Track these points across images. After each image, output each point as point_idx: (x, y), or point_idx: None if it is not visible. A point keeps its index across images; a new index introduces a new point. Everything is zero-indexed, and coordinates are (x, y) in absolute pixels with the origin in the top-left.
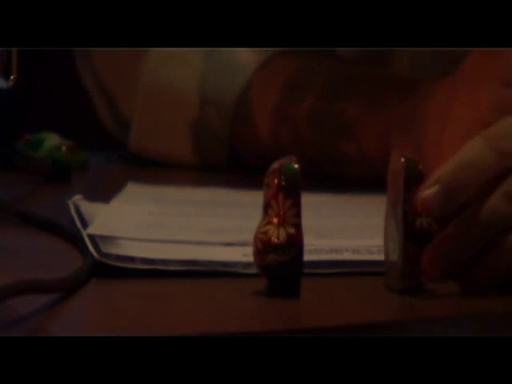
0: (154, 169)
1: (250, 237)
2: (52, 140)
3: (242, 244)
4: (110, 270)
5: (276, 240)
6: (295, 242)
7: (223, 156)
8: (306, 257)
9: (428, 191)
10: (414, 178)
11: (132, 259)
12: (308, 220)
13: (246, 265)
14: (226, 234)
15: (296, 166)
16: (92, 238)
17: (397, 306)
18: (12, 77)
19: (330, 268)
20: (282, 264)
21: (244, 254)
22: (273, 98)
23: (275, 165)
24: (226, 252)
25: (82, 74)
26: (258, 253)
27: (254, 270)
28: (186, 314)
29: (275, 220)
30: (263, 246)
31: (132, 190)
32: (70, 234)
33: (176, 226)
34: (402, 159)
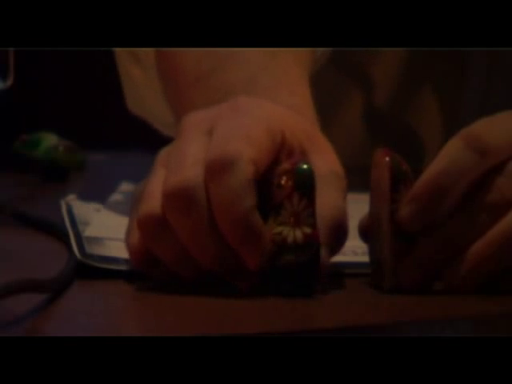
0: (150, 169)
1: None
2: (49, 140)
3: None
4: (94, 270)
5: (292, 240)
6: (312, 242)
7: None
8: None
9: (404, 211)
10: (400, 177)
11: (116, 260)
12: None
13: None
14: None
15: (308, 165)
16: (79, 238)
17: (394, 306)
18: (9, 77)
19: None
20: (299, 264)
21: None
22: None
23: (286, 165)
24: None
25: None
26: (270, 254)
27: None
28: (189, 315)
29: (290, 220)
30: (277, 247)
31: (126, 190)
32: (66, 234)
33: None
34: (387, 158)
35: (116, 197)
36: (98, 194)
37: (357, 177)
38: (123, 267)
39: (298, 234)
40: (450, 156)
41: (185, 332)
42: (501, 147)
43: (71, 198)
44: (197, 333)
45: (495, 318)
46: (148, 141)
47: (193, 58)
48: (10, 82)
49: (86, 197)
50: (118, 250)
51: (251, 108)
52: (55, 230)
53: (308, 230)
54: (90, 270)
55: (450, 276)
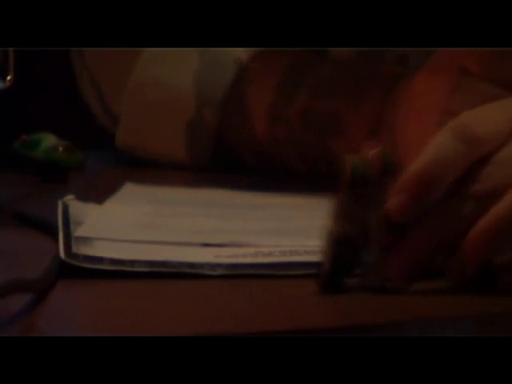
0: (151, 170)
1: (231, 237)
2: (49, 140)
3: (220, 245)
4: (79, 270)
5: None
6: None
7: (209, 151)
8: (262, 259)
9: (394, 202)
10: (389, 170)
11: (100, 260)
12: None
13: (213, 266)
14: (208, 234)
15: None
16: (68, 238)
17: (394, 306)
18: (9, 77)
19: (300, 270)
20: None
21: (216, 256)
22: (266, 96)
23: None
24: (200, 253)
25: (74, 63)
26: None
27: (219, 272)
28: (186, 314)
29: None
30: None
31: (127, 190)
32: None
33: (166, 226)
34: (375, 151)
35: (118, 196)
36: (98, 194)
37: None
38: (108, 267)
39: None
40: (438, 146)
41: (183, 332)
42: (489, 137)
43: (69, 198)
44: (193, 333)
45: (497, 317)
46: None
47: None
48: (9, 82)
49: (85, 197)
50: (107, 249)
51: None
52: (54, 230)
53: None
54: (76, 270)
55: (451, 267)
